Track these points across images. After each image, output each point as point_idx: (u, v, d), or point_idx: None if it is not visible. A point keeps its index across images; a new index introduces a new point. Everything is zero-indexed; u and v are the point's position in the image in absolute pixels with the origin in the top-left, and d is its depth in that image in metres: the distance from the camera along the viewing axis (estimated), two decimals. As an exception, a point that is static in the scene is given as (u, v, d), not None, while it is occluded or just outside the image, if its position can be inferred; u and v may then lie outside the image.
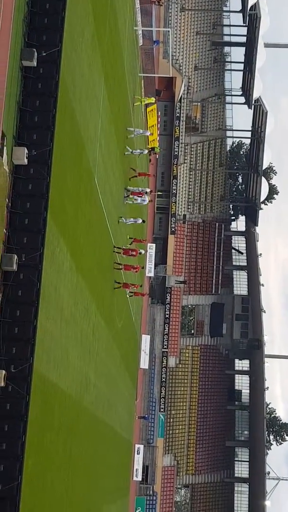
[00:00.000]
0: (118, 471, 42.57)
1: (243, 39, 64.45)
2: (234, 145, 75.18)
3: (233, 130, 69.95)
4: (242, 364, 69.52)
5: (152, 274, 58.83)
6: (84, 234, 25.45)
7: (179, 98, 62.01)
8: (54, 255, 20.07)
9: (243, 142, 75.14)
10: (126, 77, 37.74)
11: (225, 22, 66.80)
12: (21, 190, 18.04)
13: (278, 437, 74.49)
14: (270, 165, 73.36)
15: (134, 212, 40.81)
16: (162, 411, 59.67)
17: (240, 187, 76.36)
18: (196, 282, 65.86)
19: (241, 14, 61.43)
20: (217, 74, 67.53)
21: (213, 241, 66.85)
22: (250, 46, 60.81)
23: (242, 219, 72.30)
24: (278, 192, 75.80)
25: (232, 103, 68.34)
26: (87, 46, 24.50)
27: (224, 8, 66.41)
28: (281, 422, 75.20)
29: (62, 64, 19.38)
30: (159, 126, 57.11)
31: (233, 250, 70.27)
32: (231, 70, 68.09)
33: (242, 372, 69.53)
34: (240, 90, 66.11)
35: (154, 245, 59.78)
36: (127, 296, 40.52)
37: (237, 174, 76.61)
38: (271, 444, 73.41)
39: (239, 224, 72.43)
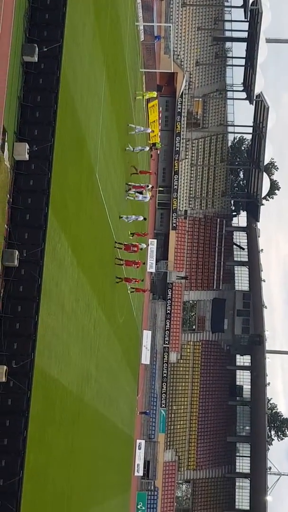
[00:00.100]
0: (120, 466, 42.63)
1: (245, 35, 64.23)
2: (236, 140, 74.96)
3: (234, 125, 69.73)
4: (243, 360, 69.51)
5: (153, 270, 58.84)
6: (85, 230, 25.45)
7: (180, 93, 61.94)
8: (55, 250, 20.08)
9: (244, 137, 74.95)
10: (127, 73, 37.67)
11: (226, 18, 66.65)
12: (22, 185, 18.06)
13: (279, 433, 74.54)
14: (272, 160, 73.28)
15: (135, 210, 40.79)
16: (163, 407, 59.69)
17: (241, 182, 76.27)
18: (198, 278, 65.83)
19: (242, 10, 61.44)
20: (219, 69, 67.39)
21: (214, 236, 66.78)
22: (252, 41, 60.67)
23: (243, 214, 72.26)
24: (280, 187, 75.80)
25: (233, 99, 68.11)
26: (88, 41, 24.48)
27: (226, 3, 66.13)
28: (282, 417, 75.17)
29: (63, 60, 19.40)
30: (160, 122, 57.07)
31: (234, 246, 70.18)
32: (232, 65, 67.94)
33: (243, 368, 69.52)
34: (242, 85, 65.94)
35: (155, 240, 59.74)
36: (128, 292, 40.50)
37: (239, 169, 76.52)
38: (272, 440, 73.54)
39: (241, 219, 72.36)
